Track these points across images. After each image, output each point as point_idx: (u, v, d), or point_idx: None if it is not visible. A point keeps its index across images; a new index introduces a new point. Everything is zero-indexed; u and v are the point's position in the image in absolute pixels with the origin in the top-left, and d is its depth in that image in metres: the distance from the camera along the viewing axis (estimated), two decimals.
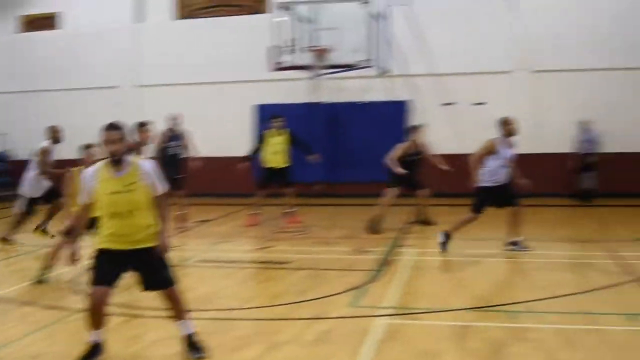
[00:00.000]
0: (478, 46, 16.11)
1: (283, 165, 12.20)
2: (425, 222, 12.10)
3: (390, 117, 16.52)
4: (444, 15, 16.33)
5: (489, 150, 9.11)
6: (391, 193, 11.48)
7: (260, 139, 12.34)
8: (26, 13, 19.09)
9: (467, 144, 16.00)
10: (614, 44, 15.58)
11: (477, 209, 9.16)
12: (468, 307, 6.71)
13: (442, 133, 16.15)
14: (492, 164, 9.09)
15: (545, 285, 7.55)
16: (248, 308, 6.83)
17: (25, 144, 16.69)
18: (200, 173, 17.07)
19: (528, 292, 7.31)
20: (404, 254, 9.49)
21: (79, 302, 6.25)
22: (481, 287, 7.59)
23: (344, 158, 16.61)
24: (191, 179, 15.99)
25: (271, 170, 12.21)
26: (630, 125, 15.34)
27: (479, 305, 6.78)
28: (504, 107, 16.07)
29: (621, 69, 15.60)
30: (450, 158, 15.94)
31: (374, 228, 11.29)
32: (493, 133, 15.74)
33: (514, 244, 9.30)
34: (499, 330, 5.88)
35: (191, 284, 7.88)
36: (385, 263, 8.84)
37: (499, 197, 9.14)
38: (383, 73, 15.93)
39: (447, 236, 9.23)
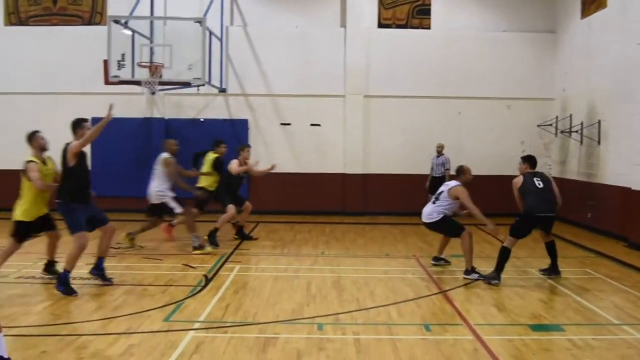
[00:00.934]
0: (312, 70, 16.83)
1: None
2: (248, 237, 12.73)
3: (231, 135, 16.75)
4: (277, 39, 16.92)
5: None
6: (232, 209, 11.78)
7: (220, 165, 12.23)
8: None
9: (304, 163, 16.80)
10: (432, 76, 16.98)
11: (459, 231, 9.65)
12: (277, 320, 7.03)
13: (281, 152, 16.70)
14: (455, 206, 9.72)
15: (356, 299, 8.09)
16: (57, 324, 6.73)
17: None
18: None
19: (338, 305, 7.78)
20: (228, 270, 9.69)
21: None
22: (297, 301, 7.93)
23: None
24: None
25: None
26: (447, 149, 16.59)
27: (290, 319, 7.12)
28: (338, 129, 16.97)
29: (438, 97, 17.02)
30: (289, 177, 16.57)
31: (214, 242, 11.53)
32: (325, 154, 16.70)
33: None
34: (302, 341, 6.25)
35: (2, 301, 7.65)
36: (208, 279, 9.02)
37: None
38: (221, 91, 16.19)
39: (472, 270, 9.50)
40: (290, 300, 7.92)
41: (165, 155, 11.32)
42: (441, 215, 9.63)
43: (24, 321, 6.80)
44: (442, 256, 10.40)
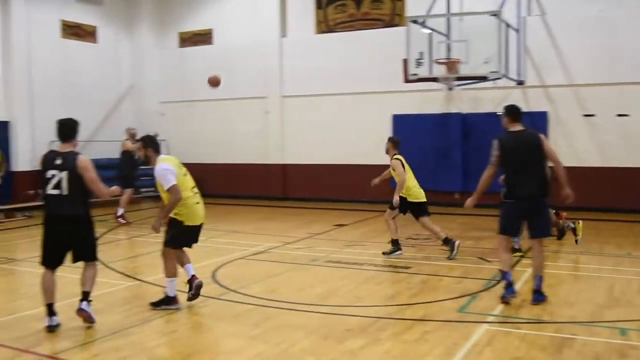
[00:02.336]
0: (617, 55, 15.43)
1: None
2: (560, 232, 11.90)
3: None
4: (580, 24, 15.79)
5: None
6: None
7: None
8: (185, 30, 20.78)
9: (610, 156, 15.63)
10: None
11: None
12: (575, 320, 6.75)
13: (583, 145, 15.79)
14: None
15: None
16: (359, 306, 7.33)
17: (181, 149, 18.35)
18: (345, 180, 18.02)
19: None
20: (524, 266, 9.43)
21: None
22: (598, 302, 7.48)
23: (477, 168, 16.63)
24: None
25: None
26: None
27: (589, 320, 6.78)
28: None
29: None
30: (593, 171, 15.57)
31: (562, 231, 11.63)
32: (636, 146, 15.32)
33: None
34: (602, 345, 5.94)
35: (313, 281, 8.60)
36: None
37: None
38: (519, 84, 15.84)
39: None
40: (590, 302, 7.52)
41: None
42: None
43: (330, 302, 7.53)
44: None
